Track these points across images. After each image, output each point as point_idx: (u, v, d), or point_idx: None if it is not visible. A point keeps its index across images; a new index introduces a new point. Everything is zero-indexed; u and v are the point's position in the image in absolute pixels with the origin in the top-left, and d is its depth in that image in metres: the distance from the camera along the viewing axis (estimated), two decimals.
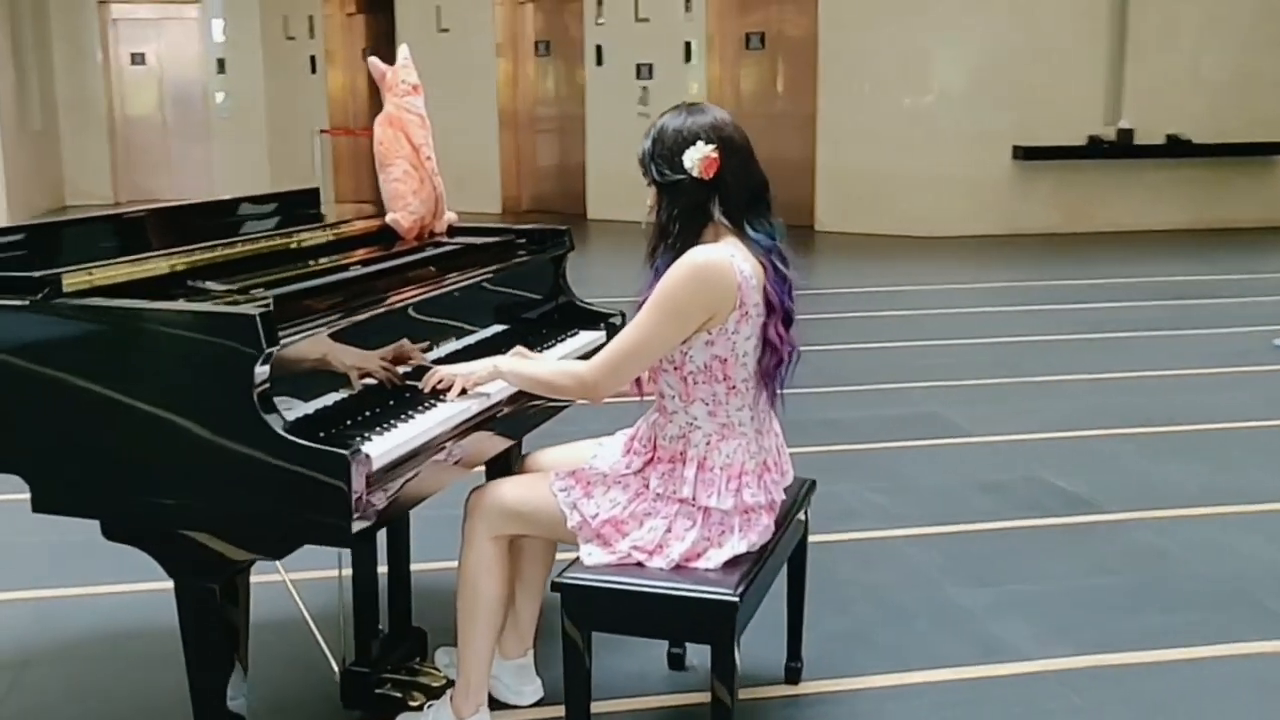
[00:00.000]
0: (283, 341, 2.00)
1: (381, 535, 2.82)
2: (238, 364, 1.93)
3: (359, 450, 1.97)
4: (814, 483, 2.73)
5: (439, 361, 2.47)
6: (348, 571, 2.72)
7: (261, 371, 1.95)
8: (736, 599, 2.15)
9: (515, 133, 13.56)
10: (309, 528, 1.97)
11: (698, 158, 2.23)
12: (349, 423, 2.20)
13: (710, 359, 2.25)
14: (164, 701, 2.66)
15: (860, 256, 9.96)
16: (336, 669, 2.69)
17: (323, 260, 2.69)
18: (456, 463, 2.29)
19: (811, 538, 2.75)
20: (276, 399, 1.97)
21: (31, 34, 13.83)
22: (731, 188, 2.26)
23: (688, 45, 11.93)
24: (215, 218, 2.86)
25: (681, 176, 2.24)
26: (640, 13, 12.20)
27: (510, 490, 2.40)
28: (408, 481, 2.11)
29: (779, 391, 2.34)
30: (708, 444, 2.28)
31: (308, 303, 2.24)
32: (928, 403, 5.30)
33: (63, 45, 14.58)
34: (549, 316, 3.11)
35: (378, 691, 2.65)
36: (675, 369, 2.27)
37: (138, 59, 15.09)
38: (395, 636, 2.82)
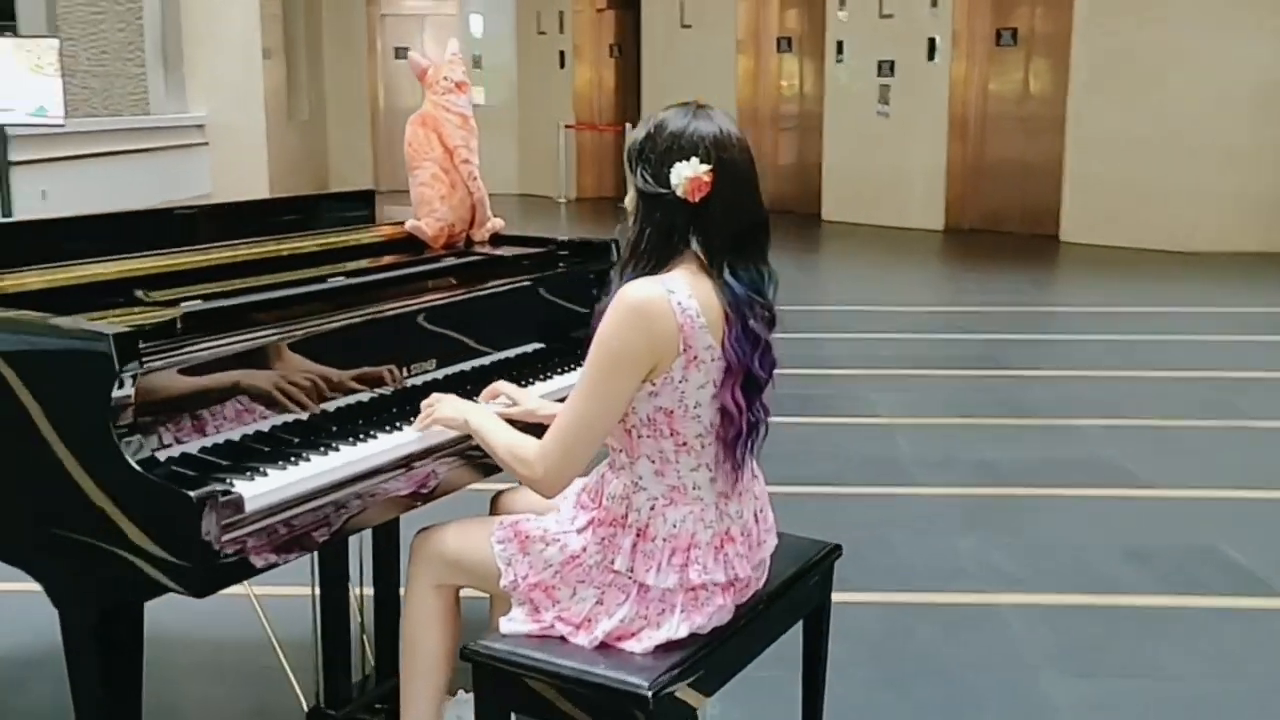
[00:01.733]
0: (171, 359, 1.83)
1: (368, 553, 2.65)
2: (87, 385, 1.76)
3: (216, 491, 1.76)
4: (836, 548, 2.35)
5: (452, 380, 2.27)
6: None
7: (121, 394, 1.77)
8: (648, 693, 1.81)
9: (752, 130, 13.21)
10: (163, 571, 1.78)
11: (686, 175, 1.89)
12: (265, 451, 2.00)
13: (654, 410, 1.92)
14: None
15: (1106, 272, 9.12)
16: (305, 708, 2.51)
17: (307, 270, 2.50)
18: (408, 495, 2.06)
19: (895, 597, 2.36)
20: (185, 423, 1.85)
21: (304, 29, 14.59)
22: (717, 219, 1.91)
23: (931, 42, 11.29)
24: (231, 220, 2.73)
25: (665, 191, 1.91)
26: (885, 8, 11.65)
27: (452, 537, 2.14)
28: (310, 520, 1.90)
29: (743, 463, 1.98)
30: (651, 509, 1.95)
31: (248, 315, 2.07)
32: (1105, 445, 4.69)
33: (333, 40, 15.33)
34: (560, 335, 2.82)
35: None
36: (620, 420, 1.95)
37: (401, 53, 15.66)
38: (380, 673, 2.62)
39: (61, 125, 8.73)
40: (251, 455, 1.99)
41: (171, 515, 1.73)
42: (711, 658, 1.95)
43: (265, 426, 2.03)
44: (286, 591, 2.68)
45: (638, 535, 1.94)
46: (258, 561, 1.85)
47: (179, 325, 1.96)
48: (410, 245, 2.81)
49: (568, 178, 14.42)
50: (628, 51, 14.49)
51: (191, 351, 1.90)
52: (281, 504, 1.89)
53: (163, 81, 12.72)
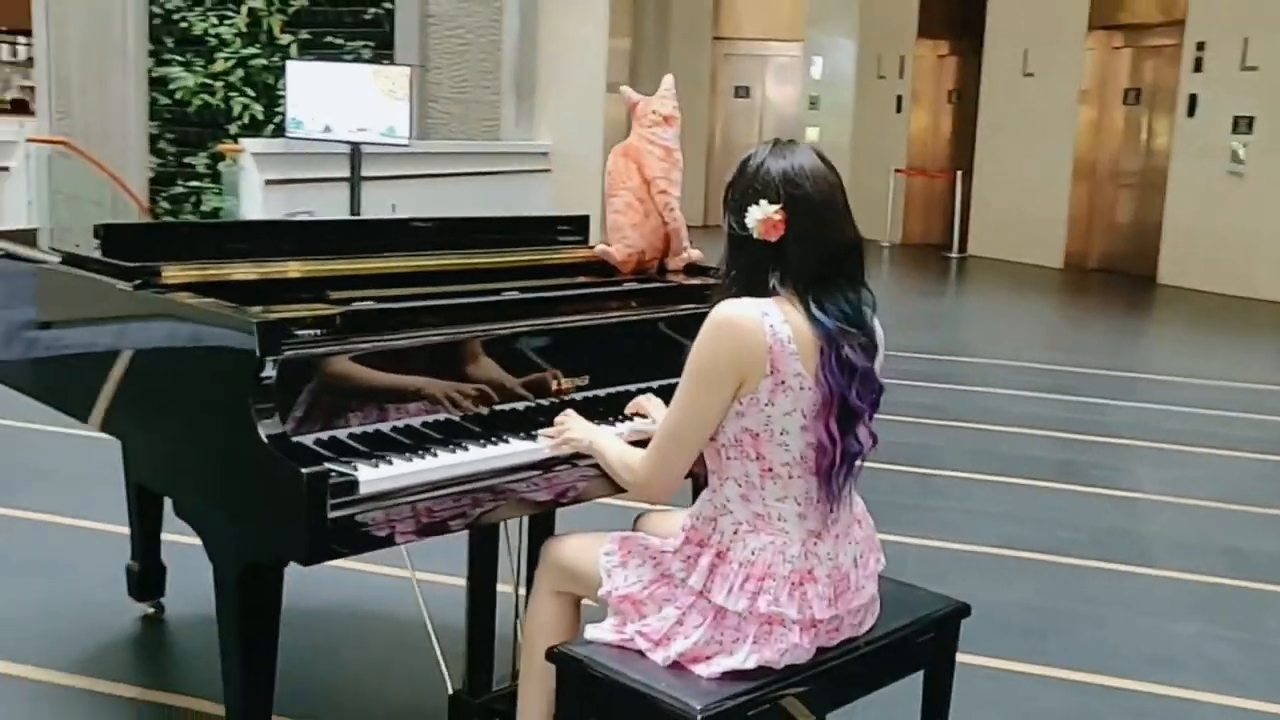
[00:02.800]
0: (317, 351, 2.04)
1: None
2: (237, 365, 1.99)
3: (328, 470, 1.93)
4: (963, 608, 2.28)
5: (594, 402, 2.39)
6: None
7: (264, 376, 1.99)
8: (695, 713, 1.84)
9: (1090, 185, 12.64)
10: (279, 537, 1.98)
11: (759, 219, 1.94)
12: (402, 443, 2.17)
13: (740, 431, 1.95)
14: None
15: None
16: (450, 690, 2.67)
17: (490, 282, 2.68)
18: (534, 500, 2.19)
19: (1088, 677, 2.29)
20: (336, 410, 2.07)
21: (651, 63, 15.22)
22: (795, 256, 1.94)
23: None
24: (441, 233, 2.96)
25: (745, 233, 1.96)
26: (1248, 59, 10.84)
27: (571, 546, 2.24)
28: (426, 509, 2.05)
29: (837, 495, 1.97)
30: (734, 533, 1.98)
31: (408, 318, 2.26)
32: None
33: (678, 76, 15.84)
34: None
35: None
36: (710, 438, 1.99)
37: (741, 92, 16.05)
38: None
39: (407, 145, 9.52)
40: (388, 445, 2.16)
41: (285, 488, 1.92)
42: (778, 695, 1.95)
43: (411, 422, 2.20)
44: (451, 581, 2.87)
45: (717, 556, 1.98)
46: (370, 539, 2.02)
47: (338, 321, 2.16)
48: (601, 269, 2.93)
49: (894, 222, 14.28)
50: (966, 98, 14.19)
51: (338, 347, 2.11)
52: (398, 490, 2.05)
53: (514, 110, 13.63)
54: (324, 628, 3.26)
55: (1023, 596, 3.65)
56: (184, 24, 14.29)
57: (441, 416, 2.26)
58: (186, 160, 13.60)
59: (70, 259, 2.46)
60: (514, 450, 2.22)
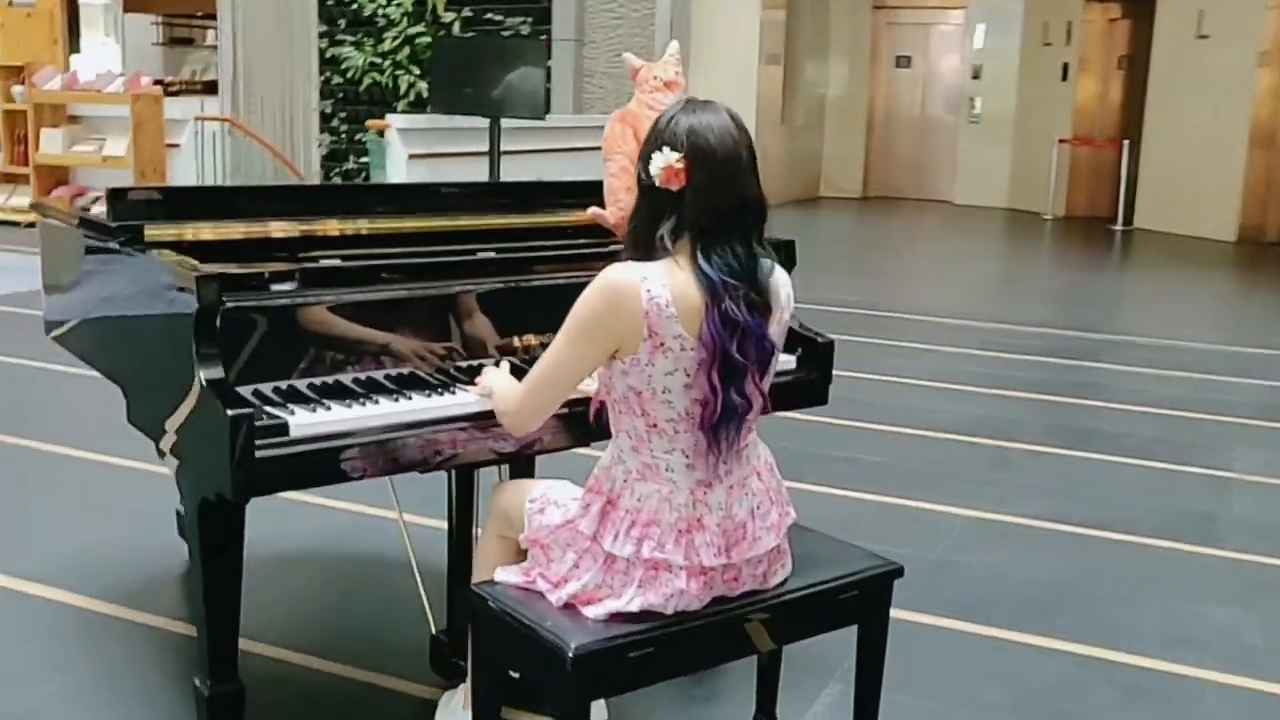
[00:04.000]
0: (249, 304, 2.20)
1: None
2: (186, 315, 2.17)
3: (251, 414, 2.09)
4: (896, 570, 2.29)
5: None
6: None
7: (208, 329, 2.16)
8: (569, 652, 1.92)
9: (1268, 153, 11.95)
10: (216, 474, 2.14)
11: (660, 165, 2.00)
12: (351, 391, 2.32)
13: (627, 389, 2.01)
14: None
15: None
16: (432, 630, 2.82)
17: (461, 245, 2.78)
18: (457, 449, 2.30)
19: (1094, 651, 2.48)
20: (285, 359, 2.23)
21: (808, 34, 15.08)
22: (692, 206, 1.99)
23: None
24: (436, 197, 3.09)
25: (649, 181, 2.03)
26: None
27: (509, 491, 2.34)
28: (356, 453, 2.19)
29: (723, 449, 2.01)
30: (624, 481, 2.05)
31: (366, 276, 2.41)
32: None
33: (838, 46, 15.69)
34: None
35: (461, 663, 2.73)
36: (607, 393, 2.07)
37: (903, 62, 15.74)
38: None
39: (542, 121, 9.74)
40: (339, 394, 2.31)
41: (217, 428, 2.09)
42: (664, 639, 2.01)
43: (370, 374, 2.35)
44: (437, 524, 3.01)
45: (608, 503, 2.05)
46: (300, 477, 2.18)
47: (267, 277, 2.30)
48: (597, 232, 3.01)
49: (1056, 194, 13.80)
50: (1138, 64, 13.58)
51: (284, 301, 2.26)
52: (331, 435, 2.19)
53: None
54: (316, 566, 3.48)
55: (1052, 572, 3.58)
56: (355, 5, 14.88)
57: (403, 370, 2.40)
58: (358, 137, 14.15)
59: (82, 222, 2.69)
60: (455, 402, 2.33)
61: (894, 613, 3.16)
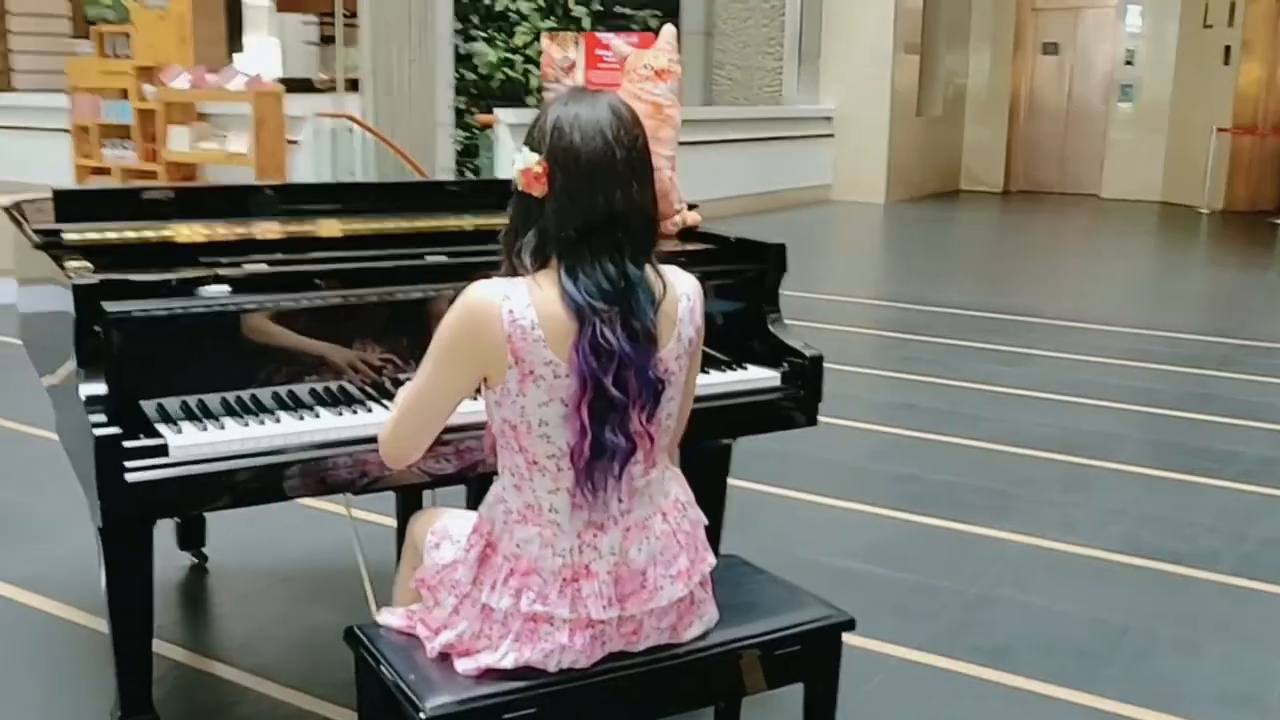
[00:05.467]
0: (139, 314, 2.05)
1: None
2: (69, 326, 2.02)
3: (117, 435, 1.92)
4: (846, 621, 2.00)
5: None
6: None
7: (88, 339, 2.01)
8: (422, 712, 1.69)
9: None
10: (91, 497, 1.99)
11: (518, 168, 1.75)
12: (249, 407, 2.15)
13: (502, 423, 1.77)
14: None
15: None
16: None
17: (407, 248, 2.57)
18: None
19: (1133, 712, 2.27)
20: (182, 372, 2.08)
21: (948, 22, 14.49)
22: (554, 217, 1.73)
23: None
24: (392, 197, 2.90)
25: (514, 186, 1.78)
26: None
27: (419, 522, 2.11)
28: (248, 477, 2.02)
29: (596, 492, 1.75)
30: (504, 523, 1.81)
31: (276, 282, 2.24)
32: None
33: (980, 34, 15.04)
34: (737, 343, 2.63)
35: None
36: (489, 424, 1.83)
37: (1050, 49, 15.00)
38: None
39: None
40: (238, 410, 2.14)
41: (86, 447, 1.93)
42: (543, 700, 1.77)
43: (274, 389, 2.17)
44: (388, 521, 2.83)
45: (488, 546, 1.82)
46: (178, 504, 2.02)
47: (173, 284, 2.15)
48: None
49: (1214, 187, 12.94)
50: None
51: (179, 309, 2.10)
52: (219, 456, 2.02)
53: (796, 74, 13.36)
54: (266, 571, 3.35)
55: (1107, 612, 3.20)
56: (487, 1, 14.95)
57: (333, 384, 2.22)
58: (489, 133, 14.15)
59: (15, 221, 2.58)
60: (368, 420, 2.14)
61: (911, 655, 2.91)
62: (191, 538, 3.36)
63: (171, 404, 2.13)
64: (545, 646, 1.77)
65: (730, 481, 3.92)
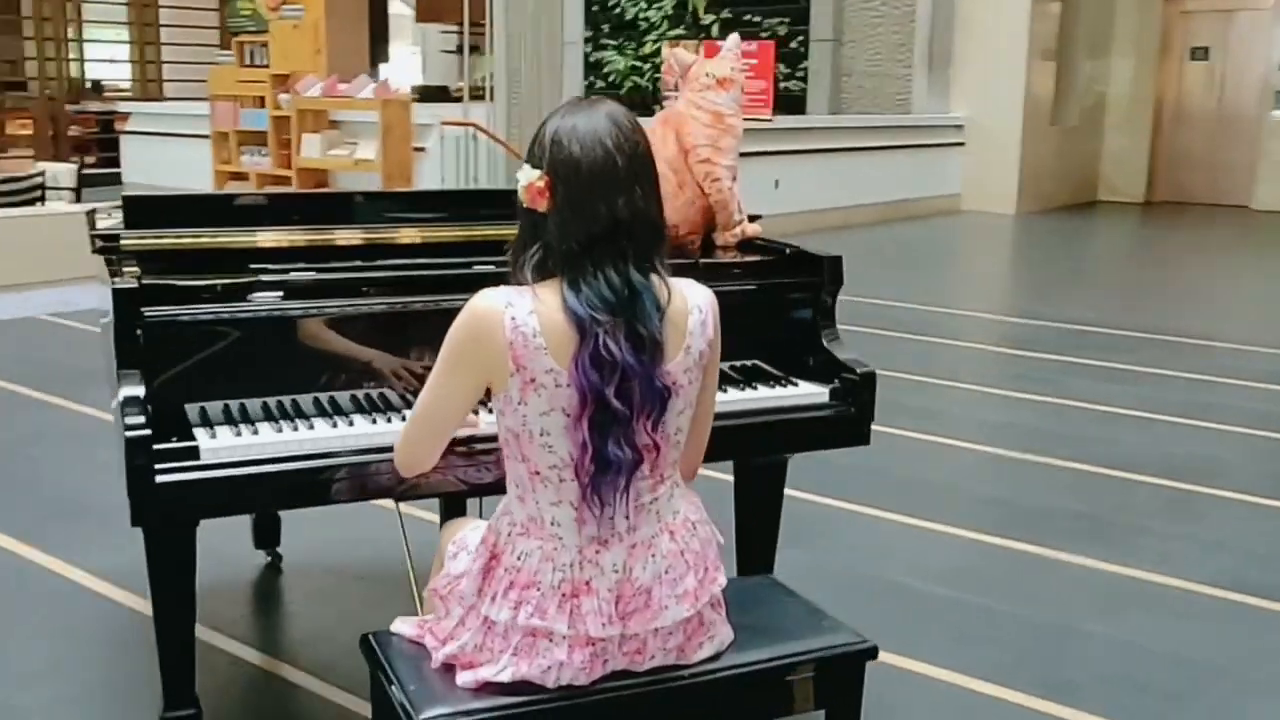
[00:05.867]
0: (172, 316, 2.10)
1: None
2: (113, 328, 2.08)
3: (147, 436, 1.96)
4: (869, 649, 1.93)
5: None
6: None
7: (127, 342, 2.06)
8: None
9: None
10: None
11: (521, 184, 1.74)
12: (288, 413, 2.17)
13: (505, 432, 1.76)
14: None
15: None
16: None
17: (447, 257, 2.57)
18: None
19: None
20: (219, 376, 2.12)
21: (1088, 27, 14.05)
22: (557, 230, 1.71)
23: None
24: (437, 205, 2.90)
25: (520, 202, 1.77)
26: None
27: (449, 529, 2.12)
28: (282, 482, 2.05)
29: (603, 506, 1.72)
30: (508, 535, 1.79)
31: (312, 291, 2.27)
32: None
33: (1122, 39, 14.54)
34: (791, 357, 2.57)
35: None
36: (497, 433, 1.82)
37: (1199, 54, 14.41)
38: None
39: (769, 120, 9.44)
40: (276, 415, 2.17)
41: (122, 448, 1.99)
42: (540, 716, 1.75)
43: (315, 395, 2.20)
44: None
45: (492, 558, 1.81)
46: (211, 506, 2.05)
47: (218, 290, 2.19)
48: None
49: None
50: None
51: (213, 314, 2.14)
52: (250, 460, 2.05)
53: (926, 82, 13.11)
54: (319, 565, 3.38)
55: (1194, 650, 3.03)
56: (618, 10, 15.06)
57: (375, 390, 2.24)
58: None
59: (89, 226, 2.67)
60: (400, 428, 2.14)
61: (965, 682, 2.80)
62: (266, 536, 3.42)
63: (214, 408, 2.17)
64: (543, 662, 1.75)
65: (808, 497, 3.89)
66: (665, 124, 2.77)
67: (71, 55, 16.29)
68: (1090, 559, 3.57)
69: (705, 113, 2.73)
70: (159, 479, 1.98)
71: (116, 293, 2.06)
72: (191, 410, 2.16)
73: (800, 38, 13.72)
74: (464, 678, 1.79)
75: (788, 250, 2.69)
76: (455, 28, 20.53)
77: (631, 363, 1.67)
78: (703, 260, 2.68)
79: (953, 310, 7.63)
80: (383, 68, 21.17)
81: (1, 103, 15.94)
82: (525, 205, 1.74)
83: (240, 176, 11.31)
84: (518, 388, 1.70)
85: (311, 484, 2.09)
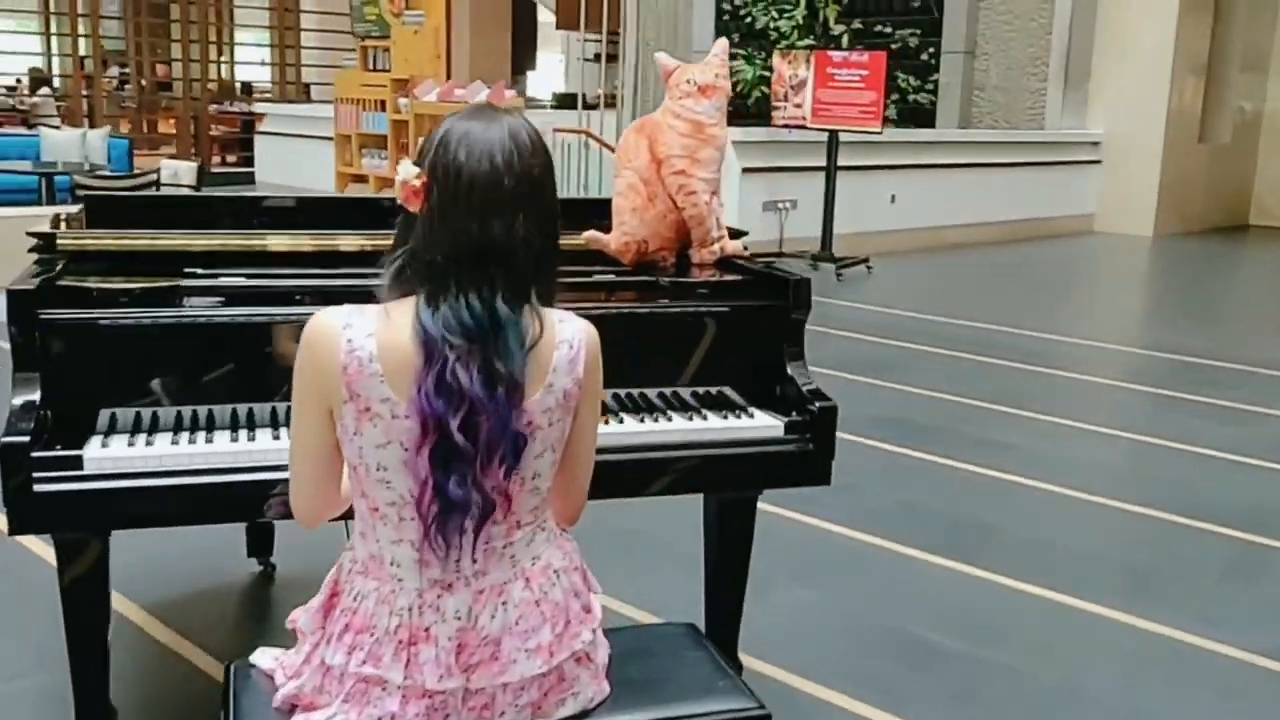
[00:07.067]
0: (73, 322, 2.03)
1: None
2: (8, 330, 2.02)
3: (23, 443, 1.90)
4: (762, 716, 1.74)
5: None
6: None
7: (17, 344, 2.00)
8: None
9: None
10: None
11: (399, 179, 1.60)
12: (193, 424, 2.09)
13: (347, 464, 1.63)
14: None
15: None
16: None
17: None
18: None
19: None
20: (136, 378, 2.05)
21: (1243, 40, 13.31)
22: (423, 236, 1.56)
23: None
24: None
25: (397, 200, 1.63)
26: None
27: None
28: (167, 496, 1.97)
29: (446, 547, 1.57)
30: (349, 573, 1.66)
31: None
32: None
33: (1278, 57, 13.74)
34: (755, 385, 2.39)
35: None
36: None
37: None
38: None
39: (879, 133, 9.14)
40: (182, 425, 2.09)
41: None
42: None
43: (212, 408, 2.11)
44: None
45: (332, 595, 1.68)
46: (89, 517, 1.97)
47: (94, 294, 2.11)
48: (601, 260, 2.60)
49: None
50: None
51: (115, 319, 2.07)
52: (137, 473, 1.97)
53: (1061, 97, 12.58)
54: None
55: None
56: (748, 19, 14.87)
57: (276, 404, 2.14)
58: None
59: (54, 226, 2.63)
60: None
61: None
62: (260, 545, 3.37)
63: (126, 415, 2.10)
64: (374, 712, 1.61)
65: (836, 529, 3.67)
66: (639, 132, 2.62)
67: (221, 58, 16.86)
68: (1123, 613, 3.28)
69: (684, 122, 2.56)
70: (36, 488, 1.91)
71: (10, 294, 1.99)
72: (104, 416, 2.09)
73: (931, 49, 13.32)
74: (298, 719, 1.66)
75: (759, 271, 2.50)
76: (595, 36, 20.66)
77: (481, 397, 1.52)
78: (668, 280, 2.51)
79: (1064, 337, 7.24)
80: (532, 76, 21.39)
81: (156, 103, 16.61)
82: (400, 201, 1.60)
83: (361, 179, 11.50)
84: (352, 416, 1.56)
85: (195, 501, 1.99)
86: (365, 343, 1.54)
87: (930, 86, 13.30)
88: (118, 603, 3.15)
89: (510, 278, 1.56)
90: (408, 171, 1.59)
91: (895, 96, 13.44)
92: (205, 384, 2.12)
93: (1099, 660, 3.02)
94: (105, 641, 2.21)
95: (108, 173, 9.99)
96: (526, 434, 1.57)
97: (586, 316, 2.22)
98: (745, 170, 9.51)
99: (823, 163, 9.43)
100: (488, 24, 17.93)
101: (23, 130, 13.02)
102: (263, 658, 1.83)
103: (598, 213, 2.64)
